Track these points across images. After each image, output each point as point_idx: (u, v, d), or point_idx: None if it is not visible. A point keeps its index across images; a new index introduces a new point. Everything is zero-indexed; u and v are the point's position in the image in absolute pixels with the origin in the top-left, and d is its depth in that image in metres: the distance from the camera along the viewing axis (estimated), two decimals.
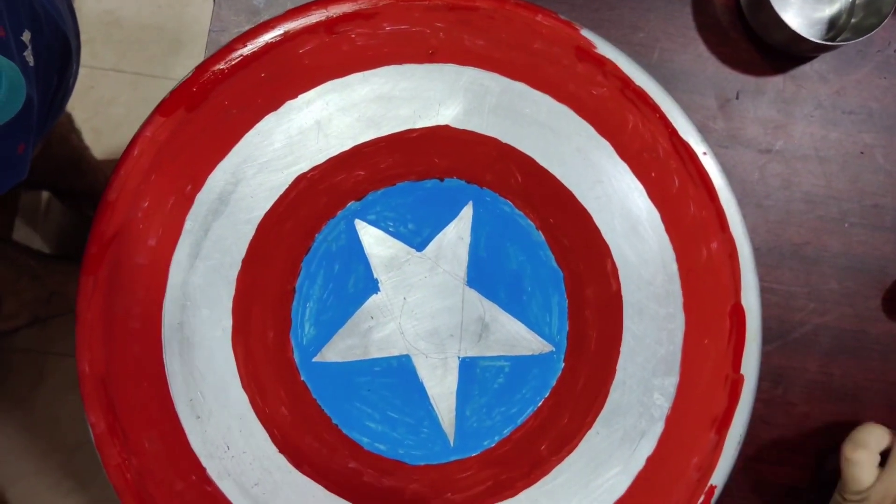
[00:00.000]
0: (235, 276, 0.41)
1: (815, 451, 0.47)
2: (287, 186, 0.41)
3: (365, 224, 0.42)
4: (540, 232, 0.43)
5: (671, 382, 0.42)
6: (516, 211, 0.43)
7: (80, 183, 0.98)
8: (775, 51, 0.50)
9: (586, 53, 0.43)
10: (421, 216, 0.43)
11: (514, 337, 0.43)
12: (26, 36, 0.49)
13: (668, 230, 0.43)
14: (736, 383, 0.42)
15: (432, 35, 0.43)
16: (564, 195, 0.43)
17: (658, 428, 0.42)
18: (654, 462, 0.42)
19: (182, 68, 1.17)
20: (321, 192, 0.42)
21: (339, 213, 0.42)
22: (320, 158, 0.42)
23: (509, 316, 0.43)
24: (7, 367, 1.09)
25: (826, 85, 0.50)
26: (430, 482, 0.41)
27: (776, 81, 0.50)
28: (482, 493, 0.41)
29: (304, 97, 0.42)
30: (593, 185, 0.43)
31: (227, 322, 0.41)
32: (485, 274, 0.43)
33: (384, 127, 0.42)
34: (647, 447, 0.42)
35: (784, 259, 0.47)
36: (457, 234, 0.43)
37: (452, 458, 0.42)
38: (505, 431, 0.42)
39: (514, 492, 0.41)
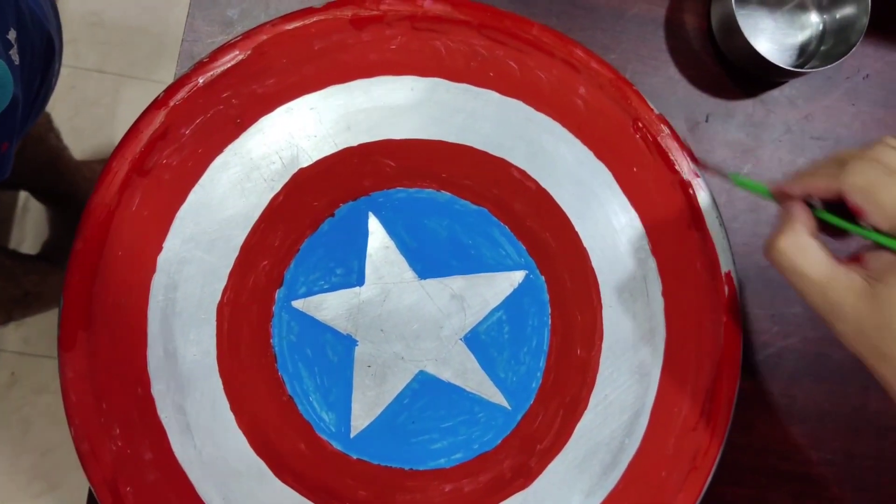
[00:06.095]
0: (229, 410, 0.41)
1: (774, 473, 0.47)
2: (214, 323, 0.41)
3: (302, 301, 0.42)
4: (444, 191, 0.43)
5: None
6: (411, 190, 0.43)
7: (58, 183, 0.96)
8: (746, 75, 0.49)
9: None
10: (341, 257, 0.42)
11: (488, 288, 0.43)
12: (12, 34, 0.48)
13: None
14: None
15: None
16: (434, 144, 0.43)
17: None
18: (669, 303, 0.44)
19: (165, 71, 1.16)
20: (242, 307, 0.41)
21: (274, 308, 0.41)
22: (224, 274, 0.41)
23: (472, 275, 0.43)
24: None
25: (795, 110, 0.50)
26: (518, 449, 0.42)
27: (746, 105, 0.49)
28: (562, 425, 0.43)
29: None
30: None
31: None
32: (426, 258, 0.43)
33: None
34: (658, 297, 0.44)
35: (749, 282, 0.47)
36: (381, 245, 0.42)
37: (519, 418, 0.43)
38: (541, 365, 0.43)
39: (584, 404, 0.43)
